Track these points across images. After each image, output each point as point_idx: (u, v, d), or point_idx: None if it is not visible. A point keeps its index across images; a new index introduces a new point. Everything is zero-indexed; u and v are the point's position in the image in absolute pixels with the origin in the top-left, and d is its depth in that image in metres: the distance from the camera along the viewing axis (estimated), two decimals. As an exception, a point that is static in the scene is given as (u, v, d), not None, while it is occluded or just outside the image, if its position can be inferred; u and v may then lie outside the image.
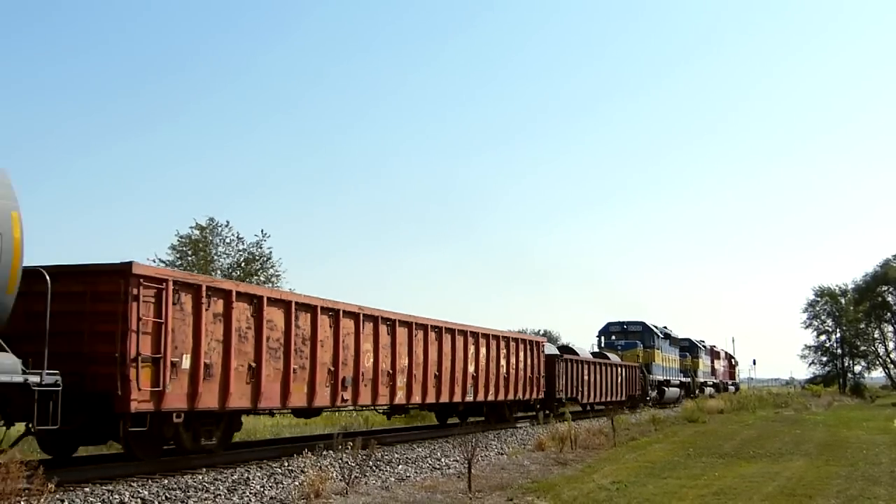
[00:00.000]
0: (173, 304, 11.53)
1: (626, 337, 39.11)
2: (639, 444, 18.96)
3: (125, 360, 10.73)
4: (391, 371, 16.95)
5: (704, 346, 51.88)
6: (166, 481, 10.62)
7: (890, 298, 74.71)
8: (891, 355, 77.81)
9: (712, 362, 54.77)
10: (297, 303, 14.23)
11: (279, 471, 11.93)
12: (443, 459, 14.51)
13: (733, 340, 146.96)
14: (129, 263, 11.04)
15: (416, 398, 18.16)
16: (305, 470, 10.69)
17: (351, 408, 17.83)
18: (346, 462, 11.98)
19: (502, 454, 16.18)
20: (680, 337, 46.05)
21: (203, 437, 12.72)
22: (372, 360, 16.29)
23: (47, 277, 9.95)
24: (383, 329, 16.72)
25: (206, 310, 12.10)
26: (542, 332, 62.68)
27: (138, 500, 9.47)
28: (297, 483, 10.86)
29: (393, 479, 12.11)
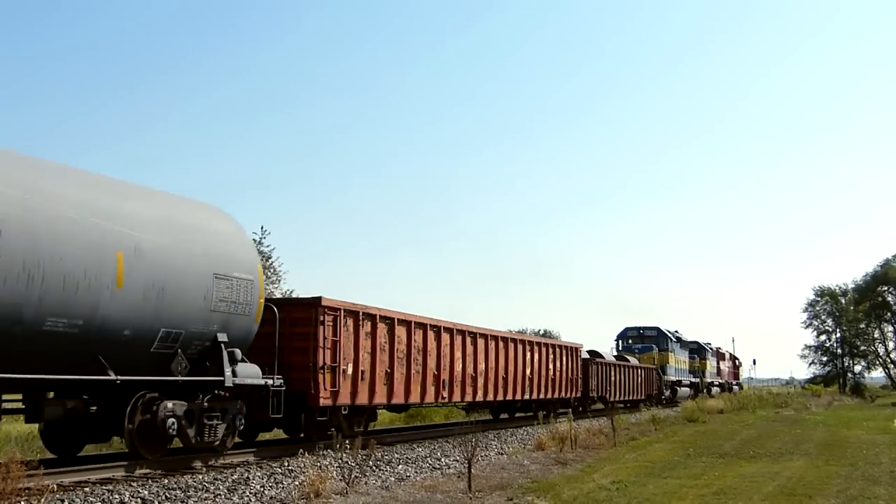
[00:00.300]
0: (343, 326, 15.29)
1: (643, 341, 42.05)
2: (639, 443, 18.96)
3: (315, 368, 14.51)
4: (473, 374, 20.80)
5: (711, 349, 54.62)
6: (166, 481, 10.63)
7: (890, 298, 74.68)
8: (891, 355, 77.81)
9: (718, 363, 57.24)
10: (414, 322, 18.03)
11: (279, 471, 11.93)
12: (443, 459, 14.51)
13: (733, 340, 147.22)
14: (319, 298, 14.80)
15: (490, 396, 21.91)
16: (305, 470, 10.69)
17: (446, 403, 21.13)
18: (346, 462, 11.98)
19: (502, 454, 16.18)
20: (689, 340, 49.06)
21: (354, 425, 16.40)
22: (461, 365, 20.12)
23: (275, 309, 13.87)
24: (468, 340, 20.56)
25: (362, 329, 15.92)
26: (541, 332, 62.67)
27: (138, 500, 9.47)
28: (297, 483, 10.86)
29: (393, 479, 12.11)
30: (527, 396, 24.41)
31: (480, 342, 21.32)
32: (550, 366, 26.16)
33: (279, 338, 14.09)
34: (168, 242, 11.35)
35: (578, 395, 28.73)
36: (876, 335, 77.65)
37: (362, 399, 16.00)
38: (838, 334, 79.60)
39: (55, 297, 9.67)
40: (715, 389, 52.55)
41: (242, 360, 12.73)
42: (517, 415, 25.44)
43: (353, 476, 11.01)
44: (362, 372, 15.93)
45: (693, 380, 48.34)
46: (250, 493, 10.33)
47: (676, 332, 46.06)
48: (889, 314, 75.42)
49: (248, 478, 11.21)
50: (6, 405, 10.55)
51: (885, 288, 73.77)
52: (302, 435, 15.64)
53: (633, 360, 37.24)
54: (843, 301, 77.95)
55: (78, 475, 10.67)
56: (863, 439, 20.17)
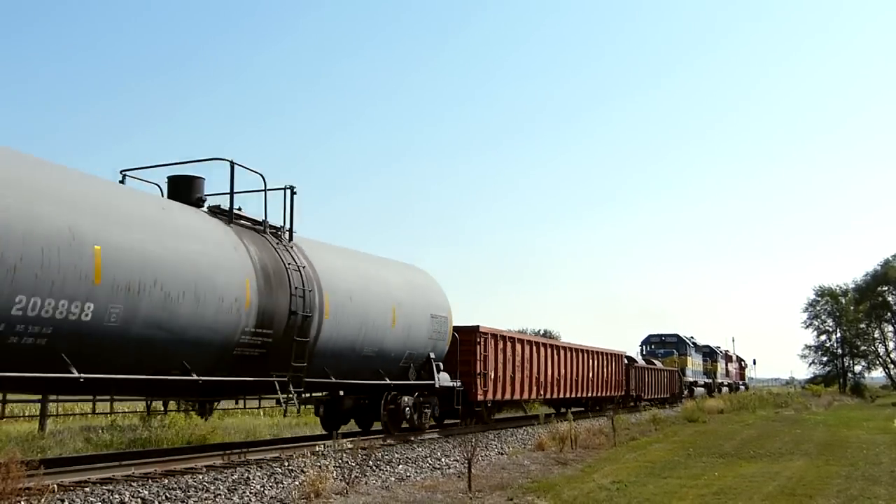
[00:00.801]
0: (489, 345, 21.68)
1: (664, 346, 48.33)
2: (639, 443, 18.96)
3: (475, 374, 20.79)
4: (557, 377, 26.97)
5: (721, 352, 60.47)
6: (166, 481, 10.63)
7: (890, 298, 74.57)
8: (891, 355, 77.72)
9: (727, 365, 63.01)
10: (525, 340, 25.40)
11: (279, 471, 11.92)
12: (443, 459, 14.51)
13: (733, 340, 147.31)
14: (477, 326, 21.29)
15: (564, 394, 27.92)
16: (305, 470, 10.69)
17: (536, 399, 26.94)
18: (346, 462, 11.98)
19: (502, 454, 16.18)
20: (702, 345, 54.92)
21: (492, 414, 23.93)
22: (550, 371, 26.32)
23: (457, 336, 19.76)
24: (552, 352, 26.74)
25: (498, 347, 22.34)
26: (542, 332, 62.66)
27: (138, 500, 9.47)
28: (297, 483, 10.86)
29: (393, 479, 12.10)
30: (590, 394, 30.56)
31: (561, 352, 27.47)
32: (604, 370, 32.19)
33: (453, 354, 19.86)
34: (408, 297, 17.43)
35: (622, 393, 34.31)
36: (876, 335, 77.60)
37: (498, 395, 22.48)
38: (838, 334, 79.58)
39: (371, 335, 15.75)
40: (724, 389, 57.81)
41: (440, 371, 18.56)
42: (573, 409, 28.70)
43: (353, 476, 11.01)
44: (498, 377, 22.36)
45: (707, 380, 53.63)
46: (250, 492, 10.33)
47: (692, 337, 51.90)
48: (889, 314, 75.34)
49: (248, 478, 11.20)
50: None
51: (886, 288, 73.68)
52: (458, 421, 21.16)
53: (658, 364, 42.48)
54: (843, 301, 77.91)
55: (78, 475, 10.68)
56: (863, 439, 20.17)
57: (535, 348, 25.23)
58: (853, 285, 77.22)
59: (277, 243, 13.65)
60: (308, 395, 16.35)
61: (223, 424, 22.09)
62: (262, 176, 13.59)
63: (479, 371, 20.94)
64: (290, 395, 13.30)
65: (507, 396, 23.17)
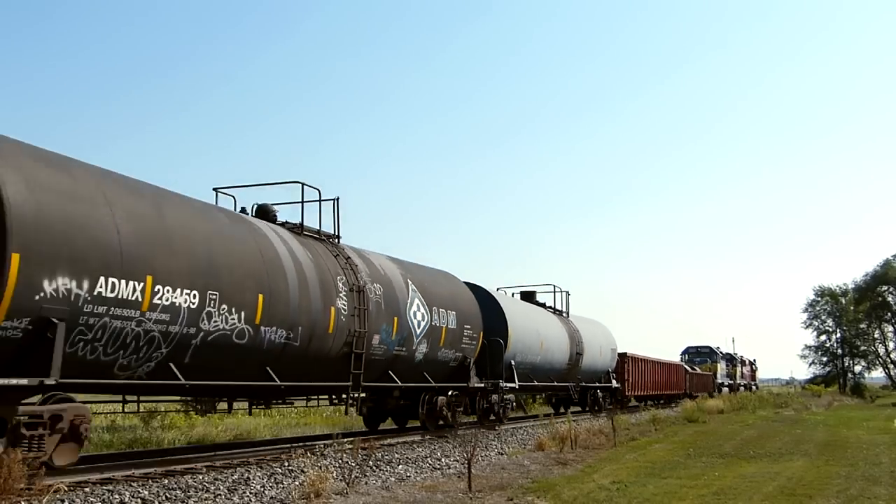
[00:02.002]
0: (628, 363, 35.38)
1: (700, 356, 61.67)
2: (639, 444, 18.96)
3: (624, 380, 34.55)
4: (657, 380, 40.57)
5: (738, 358, 71.53)
6: (166, 481, 10.62)
7: (890, 298, 74.59)
8: (891, 355, 77.74)
9: (742, 368, 73.05)
10: (642, 358, 37.99)
11: (279, 471, 11.92)
12: (443, 459, 14.50)
13: (733, 340, 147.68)
14: (625, 353, 35.10)
15: (660, 391, 41.57)
16: (305, 470, 10.69)
17: (649, 396, 39.89)
18: (347, 462, 11.98)
19: (502, 454, 16.18)
20: (725, 353, 67.58)
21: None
22: (654, 377, 39.85)
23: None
24: (654, 365, 40.35)
25: (633, 364, 35.85)
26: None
27: (138, 500, 9.47)
28: (297, 483, 10.86)
29: (393, 479, 12.10)
30: (670, 392, 43.67)
31: (658, 366, 41.46)
32: (676, 375, 45.82)
33: (618, 367, 35.57)
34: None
35: (683, 391, 46.21)
36: (876, 335, 77.63)
37: (636, 392, 37.08)
38: (838, 334, 79.63)
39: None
40: (741, 388, 67.97)
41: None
42: (648, 403, 40.84)
43: (353, 476, 11.01)
44: (637, 381, 36.81)
45: (730, 381, 65.02)
46: (250, 493, 10.33)
47: (718, 348, 65.82)
48: (889, 314, 75.34)
49: (248, 478, 11.20)
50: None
51: (886, 288, 73.69)
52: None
53: (698, 370, 54.86)
54: (843, 301, 77.94)
55: (78, 475, 10.68)
56: (863, 439, 20.17)
57: (646, 363, 38.94)
58: (853, 285, 77.29)
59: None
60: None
61: (223, 424, 22.10)
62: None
63: (626, 378, 35.14)
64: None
65: (639, 392, 37.61)
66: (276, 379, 13.00)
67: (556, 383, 27.08)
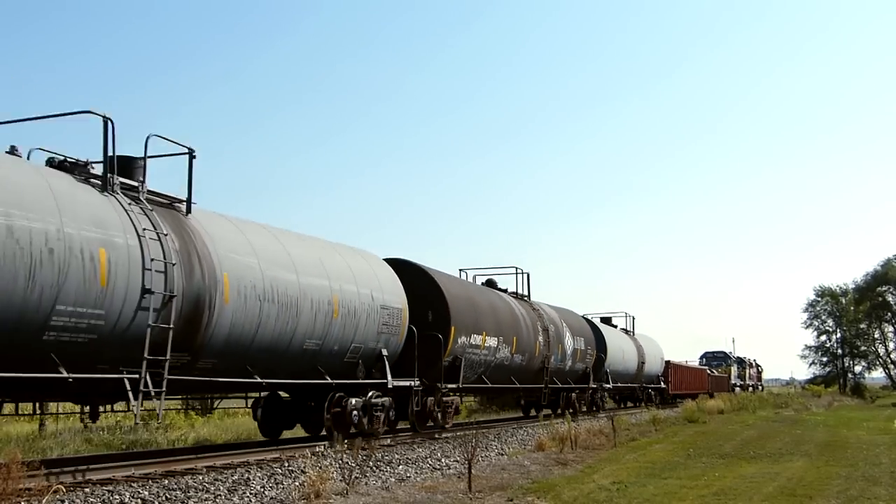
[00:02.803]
0: (671, 367, 45.22)
1: (716, 360, 71.99)
2: (639, 444, 18.96)
3: (668, 381, 44.50)
4: (691, 381, 50.26)
5: (747, 360, 78.58)
6: (166, 481, 10.62)
7: (890, 298, 74.60)
8: (891, 355, 77.73)
9: (750, 370, 79.47)
10: (680, 365, 49.27)
11: (279, 471, 11.91)
12: (443, 460, 14.50)
13: (733, 341, 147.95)
14: (669, 361, 45.32)
15: (693, 390, 49.20)
16: (305, 470, 10.69)
17: (680, 393, 46.23)
18: (347, 462, 11.98)
19: (502, 454, 16.18)
20: (737, 357, 75.69)
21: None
22: (688, 379, 49.55)
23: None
24: (689, 370, 51.41)
25: (675, 368, 46.14)
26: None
27: (138, 500, 9.47)
28: (297, 483, 10.85)
29: (393, 480, 12.10)
30: (699, 391, 51.08)
31: (691, 370, 51.88)
32: (702, 377, 54.91)
33: (665, 372, 44.66)
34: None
35: (707, 390, 53.11)
36: (876, 335, 77.67)
37: (676, 391, 45.39)
38: (839, 334, 79.66)
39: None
40: (750, 388, 74.57)
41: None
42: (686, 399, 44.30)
43: (353, 476, 11.01)
44: (677, 381, 46.29)
45: (740, 382, 71.68)
46: (250, 493, 10.33)
47: (731, 352, 75.64)
48: (889, 314, 75.34)
49: (248, 478, 11.20)
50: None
51: (886, 288, 73.70)
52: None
53: (716, 372, 63.09)
54: (843, 301, 77.96)
55: (78, 475, 10.67)
56: (863, 440, 20.17)
57: (683, 369, 48.75)
58: (853, 285, 77.34)
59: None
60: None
61: (223, 424, 22.10)
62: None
63: (669, 380, 44.11)
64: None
65: (677, 391, 45.36)
66: (517, 383, 23.69)
67: (630, 384, 37.73)
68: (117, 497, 9.44)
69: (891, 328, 76.54)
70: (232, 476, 11.28)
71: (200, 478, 11.04)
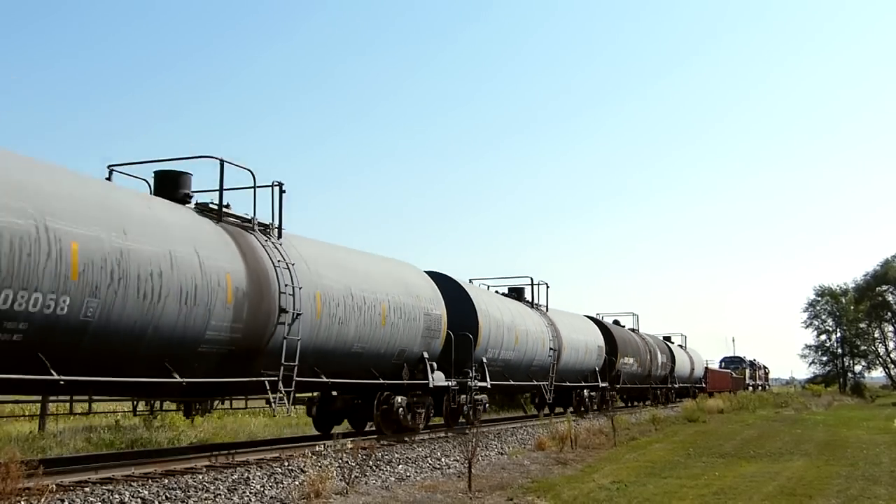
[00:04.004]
0: (710, 371, 57.66)
1: (734, 363, 78.62)
2: (639, 443, 18.96)
3: (706, 381, 54.91)
4: (719, 383, 57.64)
5: (758, 364, 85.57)
6: (166, 481, 10.62)
7: (890, 298, 74.57)
8: (891, 355, 77.73)
9: (758, 372, 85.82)
10: (714, 370, 61.18)
11: (279, 471, 11.91)
12: (443, 459, 14.50)
13: (733, 340, 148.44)
14: (707, 367, 57.60)
15: (723, 390, 54.67)
16: (305, 470, 10.68)
17: (713, 390, 51.98)
18: (347, 462, 11.98)
19: (502, 454, 16.18)
20: (749, 360, 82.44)
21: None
22: (723, 380, 60.45)
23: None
24: (721, 374, 63.89)
25: (712, 372, 58.08)
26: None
27: (138, 500, 9.46)
28: (297, 483, 10.85)
29: (393, 479, 12.10)
30: (728, 390, 55.82)
31: (719, 373, 60.23)
32: (726, 379, 62.57)
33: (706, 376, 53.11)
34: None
35: (728, 389, 58.05)
36: (876, 335, 77.65)
37: (712, 390, 53.08)
38: (838, 334, 79.63)
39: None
40: (759, 388, 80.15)
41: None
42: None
43: (353, 476, 11.01)
44: (714, 381, 58.32)
45: (752, 382, 78.34)
46: (250, 492, 10.33)
47: (745, 356, 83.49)
48: (889, 314, 75.32)
49: (248, 478, 11.20)
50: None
51: (886, 288, 73.67)
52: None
53: (734, 374, 70.56)
54: (843, 301, 77.92)
55: (78, 475, 10.67)
56: (863, 439, 20.16)
57: (716, 372, 57.56)
58: (853, 285, 77.29)
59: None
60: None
61: (223, 424, 22.10)
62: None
63: (707, 380, 53.16)
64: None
65: (714, 389, 52.35)
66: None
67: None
68: (117, 497, 9.44)
69: (891, 328, 76.55)
70: (232, 475, 11.28)
71: (200, 477, 11.04)
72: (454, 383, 19.06)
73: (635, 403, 40.20)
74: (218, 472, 11.55)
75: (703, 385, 53.84)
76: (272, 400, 13.06)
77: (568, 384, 28.45)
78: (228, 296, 11.90)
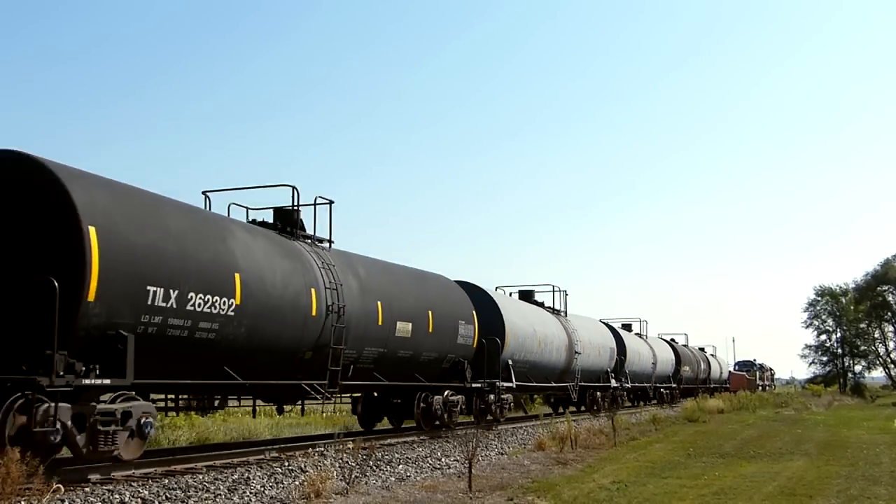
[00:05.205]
0: (732, 374, 68.99)
1: (746, 366, 79.43)
2: (639, 443, 18.96)
3: (729, 383, 64.08)
4: (738, 383, 64.06)
5: (764, 366, 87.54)
6: (166, 481, 10.62)
7: (890, 298, 74.45)
8: (891, 355, 77.64)
9: (765, 373, 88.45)
10: (735, 372, 70.98)
11: (279, 471, 11.92)
12: (443, 459, 14.50)
13: (734, 341, 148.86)
14: (730, 371, 70.52)
15: (744, 390, 54.60)
16: (306, 470, 10.68)
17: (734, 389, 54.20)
18: (347, 462, 11.98)
19: (503, 454, 16.17)
20: (758, 363, 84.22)
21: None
22: (744, 380, 66.79)
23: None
24: (736, 375, 69.10)
25: (733, 375, 68.04)
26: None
27: (138, 500, 9.47)
28: (297, 483, 10.85)
29: (393, 479, 12.10)
30: (746, 390, 54.45)
31: (738, 375, 66.69)
32: (742, 379, 66.09)
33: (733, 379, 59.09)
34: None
35: (744, 388, 58.41)
36: (876, 335, 77.53)
37: (737, 390, 54.17)
38: (839, 334, 79.60)
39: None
40: (767, 387, 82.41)
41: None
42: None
43: (353, 476, 11.01)
44: (737, 383, 66.05)
45: (761, 382, 79.70)
46: (250, 492, 10.33)
47: (755, 360, 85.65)
48: (889, 314, 75.23)
49: (248, 478, 11.20)
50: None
51: (886, 288, 73.56)
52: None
53: (746, 375, 73.54)
54: (843, 301, 77.87)
55: (78, 475, 10.67)
56: (863, 439, 20.16)
57: (736, 375, 64.08)
58: (853, 285, 77.19)
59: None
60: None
61: (223, 424, 22.08)
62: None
63: (730, 381, 60.73)
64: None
65: (735, 389, 54.40)
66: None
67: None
68: (117, 497, 9.44)
69: (891, 328, 76.44)
70: (232, 475, 11.29)
71: (200, 477, 11.04)
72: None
73: (683, 398, 47.24)
74: (218, 472, 11.56)
75: (728, 385, 63.30)
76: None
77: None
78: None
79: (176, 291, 10.89)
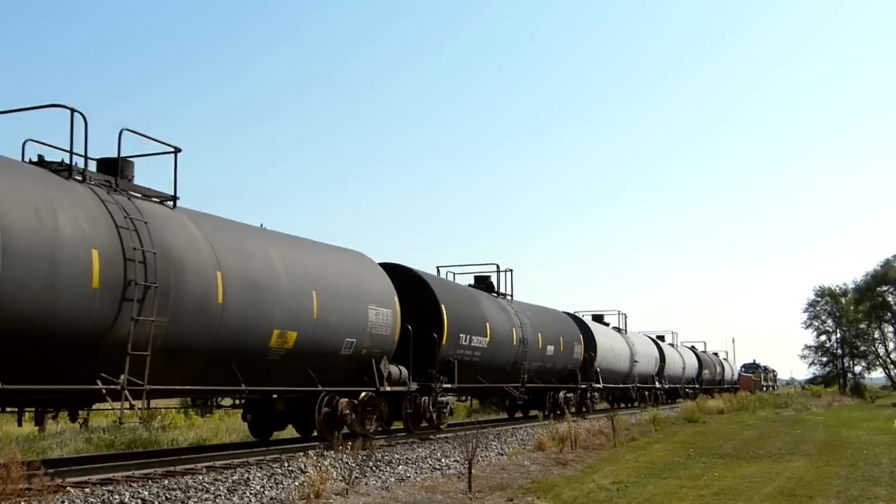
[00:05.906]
0: (742, 376, 74.15)
1: (752, 368, 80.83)
2: (639, 444, 18.96)
3: (738, 383, 69.38)
4: (748, 383, 68.40)
5: (769, 368, 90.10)
6: (166, 481, 10.62)
7: (890, 298, 74.40)
8: (891, 355, 77.62)
9: (769, 374, 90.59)
10: (746, 374, 74.67)
11: (279, 471, 11.92)
12: (443, 460, 14.51)
13: (734, 341, 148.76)
14: (741, 372, 75.61)
15: (753, 390, 62.57)
16: (305, 470, 10.69)
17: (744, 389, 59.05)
18: (347, 462, 11.98)
19: (502, 454, 16.18)
20: (763, 365, 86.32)
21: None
22: (747, 381, 70.04)
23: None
24: (746, 377, 72.78)
25: (742, 377, 73.53)
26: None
27: (138, 500, 9.47)
28: (297, 483, 10.86)
29: (393, 480, 12.11)
30: (756, 390, 61.40)
31: (746, 376, 71.60)
32: (751, 380, 69.81)
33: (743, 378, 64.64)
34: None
35: (751, 388, 64.50)
36: (876, 335, 77.50)
37: (747, 389, 64.37)
38: (838, 334, 79.61)
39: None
40: (771, 388, 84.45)
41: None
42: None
43: (353, 476, 11.01)
44: (750, 383, 70.55)
45: (765, 383, 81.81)
46: (250, 493, 10.33)
47: (755, 360, 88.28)
48: (889, 314, 75.19)
49: (248, 478, 11.20)
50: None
51: (885, 288, 73.50)
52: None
53: (753, 376, 76.34)
54: (843, 301, 77.87)
55: (78, 475, 10.68)
56: (863, 440, 20.16)
57: (745, 376, 68.44)
58: (853, 285, 77.14)
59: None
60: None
61: (223, 425, 22.10)
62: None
63: (741, 382, 65.14)
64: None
65: (744, 389, 57.81)
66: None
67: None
68: (117, 497, 9.44)
69: (891, 328, 76.41)
70: (232, 476, 11.29)
71: (200, 478, 11.04)
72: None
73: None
74: (218, 473, 11.56)
75: (738, 385, 67.77)
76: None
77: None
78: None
79: (469, 335, 20.11)
